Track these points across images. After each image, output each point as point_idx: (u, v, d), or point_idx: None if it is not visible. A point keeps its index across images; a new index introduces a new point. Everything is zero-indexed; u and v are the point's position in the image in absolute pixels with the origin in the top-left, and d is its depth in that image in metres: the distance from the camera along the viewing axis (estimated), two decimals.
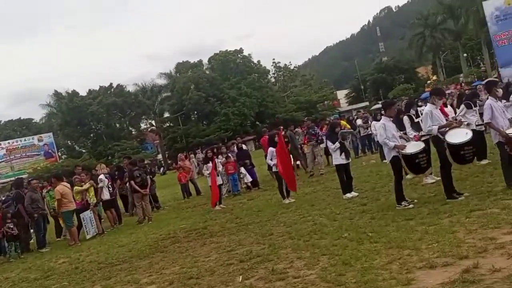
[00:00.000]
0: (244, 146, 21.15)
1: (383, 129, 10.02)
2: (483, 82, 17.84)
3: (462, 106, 13.25)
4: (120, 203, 18.84)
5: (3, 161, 67.84)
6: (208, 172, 16.22)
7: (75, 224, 15.34)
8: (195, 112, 79.93)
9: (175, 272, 8.54)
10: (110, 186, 16.82)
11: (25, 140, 72.88)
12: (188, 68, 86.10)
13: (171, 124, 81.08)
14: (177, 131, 76.44)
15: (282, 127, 17.89)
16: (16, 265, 13.24)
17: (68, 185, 15.36)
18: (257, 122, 77.72)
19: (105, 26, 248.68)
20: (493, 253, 5.87)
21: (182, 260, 9.40)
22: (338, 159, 12.62)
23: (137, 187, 16.45)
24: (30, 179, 16.50)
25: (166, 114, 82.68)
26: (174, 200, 21.64)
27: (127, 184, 17.95)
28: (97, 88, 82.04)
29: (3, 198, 16.47)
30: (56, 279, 10.27)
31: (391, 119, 10.34)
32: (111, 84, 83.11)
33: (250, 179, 18.85)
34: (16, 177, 26.24)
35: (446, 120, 10.33)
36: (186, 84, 77.48)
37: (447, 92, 29.81)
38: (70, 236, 14.95)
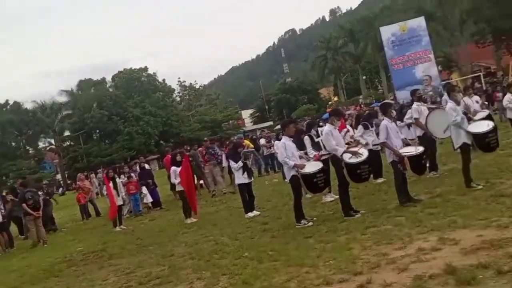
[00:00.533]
0: (147, 166, 20.84)
1: (283, 148, 10.17)
2: (379, 104, 18.56)
3: (360, 126, 13.73)
4: (13, 226, 17.88)
5: None
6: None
7: None
8: (98, 131, 77.87)
9: None
10: (2, 207, 15.91)
11: None
12: (91, 85, 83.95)
13: (72, 143, 78.44)
14: (78, 150, 74.04)
15: (187, 146, 17.72)
16: None
17: None
18: (161, 141, 76.85)
19: (0, 41, 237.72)
20: (385, 268, 6.05)
21: (78, 285, 9.05)
22: (240, 178, 12.66)
23: (28, 210, 15.62)
24: None
25: (67, 133, 79.93)
26: (72, 222, 20.85)
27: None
28: None
29: None
30: None
31: (291, 138, 10.54)
32: (7, 101, 79.51)
33: (151, 200, 18.51)
34: None
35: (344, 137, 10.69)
36: (88, 102, 75.45)
37: (347, 112, 30.85)
38: None
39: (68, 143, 79.58)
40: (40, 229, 15.78)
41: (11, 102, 79.24)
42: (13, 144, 78.34)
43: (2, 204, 16.11)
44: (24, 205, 15.70)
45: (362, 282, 5.68)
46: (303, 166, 10.00)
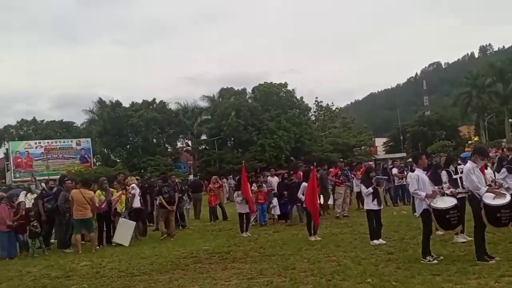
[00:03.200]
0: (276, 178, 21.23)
1: (416, 180, 9.96)
2: None
3: (503, 169, 13.02)
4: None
5: (39, 159, 69.24)
6: (239, 198, 16.25)
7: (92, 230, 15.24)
8: (232, 139, 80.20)
9: None
10: (140, 196, 17.00)
11: (63, 142, 74.45)
12: (231, 94, 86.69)
13: (207, 147, 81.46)
14: (212, 154, 76.71)
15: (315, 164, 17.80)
16: (39, 261, 13.42)
17: (87, 192, 14.95)
18: (292, 158, 77.58)
19: (155, 44, 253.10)
20: None
21: (202, 281, 9.43)
22: (370, 204, 12.53)
23: (164, 203, 16.62)
24: (65, 179, 16.73)
25: (203, 137, 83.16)
26: (200, 222, 21.69)
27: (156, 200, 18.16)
28: (140, 101, 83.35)
29: (44, 192, 16.68)
30: (76, 280, 10.40)
31: (425, 171, 10.29)
32: (154, 99, 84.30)
33: (279, 212, 18.82)
34: (61, 174, 26.69)
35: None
36: (227, 110, 77.97)
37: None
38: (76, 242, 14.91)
39: (203, 147, 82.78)
40: (171, 223, 16.68)
41: (157, 101, 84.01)
42: (155, 140, 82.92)
43: (140, 193, 17.13)
44: (160, 197, 16.68)
45: None
46: (434, 196, 9.70)
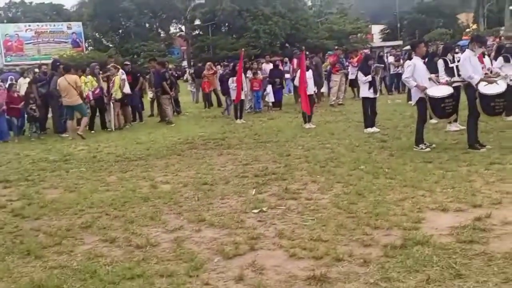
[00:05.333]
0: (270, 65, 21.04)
1: (411, 68, 9.87)
2: None
3: (500, 58, 12.91)
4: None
5: (30, 42, 67.90)
6: (234, 85, 16.16)
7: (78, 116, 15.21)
8: (226, 24, 78.65)
9: (190, 176, 8.73)
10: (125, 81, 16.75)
11: (54, 25, 72.64)
12: None
13: (201, 33, 79.97)
14: (206, 40, 75.47)
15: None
16: (36, 145, 13.57)
17: (70, 76, 14.64)
18: (286, 44, 76.51)
19: None
20: (507, 206, 5.90)
21: (198, 166, 9.58)
22: (366, 92, 12.48)
23: (167, 88, 16.60)
24: (58, 64, 16.50)
25: (197, 22, 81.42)
26: (195, 108, 21.76)
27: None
28: None
29: (37, 77, 16.56)
30: (74, 163, 10.55)
31: (423, 60, 10.18)
32: None
33: (273, 99, 18.84)
34: (53, 58, 26.33)
35: (482, 68, 10.14)
36: None
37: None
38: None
39: (197, 32, 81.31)
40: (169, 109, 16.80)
41: None
42: (147, 25, 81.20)
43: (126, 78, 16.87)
44: (164, 83, 16.59)
45: (480, 215, 5.59)
46: (424, 88, 9.65)
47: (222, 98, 19.58)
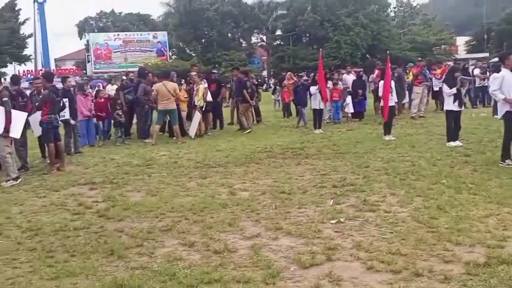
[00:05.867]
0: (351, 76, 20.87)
1: (499, 80, 9.51)
2: None
3: None
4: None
5: (118, 51, 70.65)
6: (317, 92, 16.16)
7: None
8: (307, 35, 78.71)
9: (268, 184, 8.79)
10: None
11: (141, 35, 75.30)
12: None
13: (281, 43, 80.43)
14: (286, 50, 75.81)
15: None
16: (121, 149, 14.06)
17: (170, 83, 15.35)
18: (367, 55, 75.70)
19: None
20: None
21: (276, 175, 9.63)
22: (450, 105, 12.11)
23: (248, 97, 16.84)
24: (145, 72, 17.12)
25: (278, 32, 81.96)
26: (274, 117, 21.89)
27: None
28: None
29: (124, 84, 17.25)
30: (156, 168, 10.87)
31: None
32: None
33: (352, 110, 18.67)
34: (140, 67, 27.30)
35: None
36: (303, 5, 76.03)
37: None
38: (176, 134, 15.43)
39: (278, 42, 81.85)
40: (250, 117, 17.05)
41: None
42: (229, 35, 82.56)
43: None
44: (244, 92, 16.87)
45: None
46: None
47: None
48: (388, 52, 15.93)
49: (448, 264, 4.85)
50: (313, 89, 16.36)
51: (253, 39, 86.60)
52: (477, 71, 22.89)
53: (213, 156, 12.14)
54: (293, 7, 77.02)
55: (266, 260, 5.21)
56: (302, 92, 18.39)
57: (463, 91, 12.89)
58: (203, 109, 16.04)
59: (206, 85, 16.77)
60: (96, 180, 9.75)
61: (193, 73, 17.12)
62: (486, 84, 20.50)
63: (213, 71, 21.15)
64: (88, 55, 72.98)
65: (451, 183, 8.09)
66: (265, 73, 78.82)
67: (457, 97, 11.98)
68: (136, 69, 23.25)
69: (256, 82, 22.21)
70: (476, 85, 22.15)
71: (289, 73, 22.75)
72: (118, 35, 73.63)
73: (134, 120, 16.92)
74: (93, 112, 15.02)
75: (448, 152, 11.08)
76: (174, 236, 6.15)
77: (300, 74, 24.62)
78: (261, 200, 7.71)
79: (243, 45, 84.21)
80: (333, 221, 6.42)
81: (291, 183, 8.75)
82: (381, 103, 14.52)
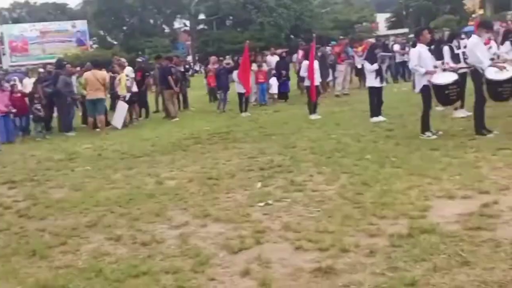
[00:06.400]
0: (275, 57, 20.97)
1: (416, 56, 9.77)
2: None
3: (507, 43, 12.77)
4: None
5: (35, 42, 68.07)
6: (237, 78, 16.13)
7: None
8: (231, 18, 78.56)
9: (196, 171, 8.70)
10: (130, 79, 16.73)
11: (59, 24, 72.82)
12: None
13: (205, 27, 79.94)
14: (210, 34, 75.44)
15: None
16: (42, 145, 13.57)
17: (99, 73, 15.09)
18: (291, 36, 76.30)
19: None
20: None
21: (203, 161, 9.55)
22: (372, 81, 12.37)
23: (172, 84, 16.59)
24: (65, 63, 16.57)
25: (201, 16, 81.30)
26: (200, 103, 21.72)
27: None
28: None
29: (42, 76, 16.61)
30: (80, 162, 10.53)
31: (427, 47, 10.10)
32: None
33: (276, 91, 18.77)
34: (57, 58, 26.42)
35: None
36: None
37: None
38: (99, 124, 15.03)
39: (201, 27, 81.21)
40: (175, 104, 16.83)
41: None
42: (151, 21, 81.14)
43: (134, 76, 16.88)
44: (169, 78, 16.59)
45: (488, 201, 5.54)
46: (433, 73, 9.57)
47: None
48: (314, 33, 16.09)
49: (373, 238, 4.94)
50: (234, 74, 16.35)
51: (176, 25, 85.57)
52: (396, 47, 23.49)
53: (138, 146, 11.91)
54: None
55: (195, 248, 5.14)
56: (224, 76, 18.24)
57: (384, 67, 13.15)
58: (126, 98, 15.67)
59: (132, 74, 16.42)
60: (16, 178, 9.32)
61: (115, 63, 16.75)
62: (406, 59, 21.03)
63: (138, 59, 20.68)
64: (2, 48, 69.91)
65: (375, 158, 8.26)
66: (190, 58, 78.01)
67: (378, 73, 12.25)
68: (55, 60, 22.46)
69: (183, 69, 21.87)
70: (397, 61, 22.71)
71: (213, 57, 22.62)
72: (34, 25, 70.88)
73: (55, 114, 16.35)
74: (11, 107, 14.41)
75: (372, 127, 11.32)
76: (99, 231, 5.97)
77: (221, 58, 24.39)
78: (188, 187, 7.61)
79: (166, 31, 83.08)
80: (261, 204, 6.42)
81: (218, 169, 8.69)
82: (305, 83, 14.62)
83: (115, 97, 15.79)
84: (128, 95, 15.68)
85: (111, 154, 11.17)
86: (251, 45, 18.69)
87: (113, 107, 16.74)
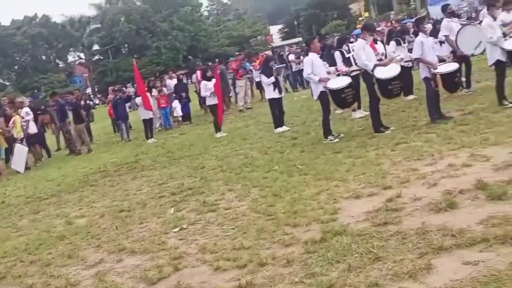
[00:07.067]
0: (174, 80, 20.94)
1: (309, 64, 10.08)
2: (413, 20, 18.03)
3: (392, 42, 13.46)
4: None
5: None
6: (140, 101, 15.96)
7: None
8: (126, 45, 77.74)
9: (106, 206, 8.50)
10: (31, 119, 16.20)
11: None
12: None
13: (101, 57, 78.58)
14: (107, 64, 74.27)
15: (217, 61, 17.59)
16: None
17: None
18: (189, 57, 76.52)
19: None
20: (415, 183, 6.13)
21: (112, 194, 9.36)
22: (271, 93, 12.62)
23: (84, 116, 16.36)
24: None
25: (96, 47, 79.82)
26: (104, 134, 21.27)
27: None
28: (21, 18, 77.90)
29: None
30: None
31: (319, 54, 10.46)
32: (35, 14, 79.07)
33: (181, 113, 18.73)
34: None
35: (376, 55, 10.52)
36: (116, 16, 74.88)
37: (378, 29, 30.03)
38: None
39: (97, 57, 79.72)
40: (86, 139, 16.51)
41: (39, 16, 78.88)
42: (44, 57, 78.76)
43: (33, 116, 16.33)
44: (81, 111, 16.32)
45: (392, 196, 5.78)
46: (327, 80, 9.92)
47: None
48: (205, 55, 16.31)
49: (289, 247, 5.02)
50: (138, 99, 16.16)
51: (70, 58, 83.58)
52: (291, 57, 24.09)
53: (44, 187, 11.49)
54: (106, 19, 75.52)
55: (112, 286, 5.02)
56: (121, 106, 17.98)
57: (281, 78, 13.45)
58: (24, 141, 15.07)
59: (30, 116, 15.79)
60: None
61: (5, 105, 16.12)
62: (302, 68, 21.60)
63: (21, 99, 19.93)
64: None
65: (283, 168, 8.41)
66: (89, 90, 76.31)
67: (275, 85, 12.52)
68: None
69: (84, 103, 21.37)
70: (294, 70, 23.29)
71: (110, 87, 22.26)
72: None
73: None
74: None
75: (277, 138, 11.51)
76: (9, 283, 5.70)
77: (116, 88, 23.92)
78: (100, 223, 7.42)
79: (61, 65, 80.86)
80: (176, 229, 6.36)
81: (129, 200, 8.54)
82: (207, 102, 14.68)
83: (11, 141, 15.07)
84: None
85: (15, 199, 10.70)
86: (150, 71, 18.64)
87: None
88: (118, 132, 20.45)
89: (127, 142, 16.97)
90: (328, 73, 10.25)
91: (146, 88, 16.09)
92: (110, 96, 21.63)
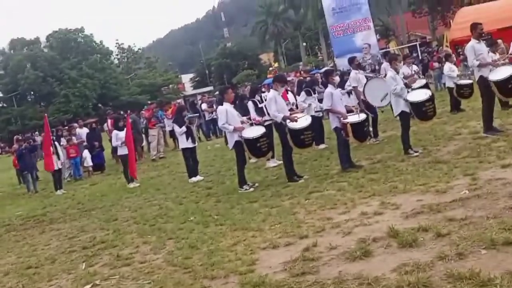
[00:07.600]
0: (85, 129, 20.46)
1: (223, 114, 10.19)
2: (321, 71, 18.75)
3: (303, 93, 13.88)
4: None
5: None
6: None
7: None
8: (32, 93, 75.46)
9: (11, 262, 8.04)
10: None
11: None
12: (24, 45, 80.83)
13: (5, 105, 75.71)
14: (12, 112, 71.58)
15: (129, 111, 17.43)
16: None
17: None
18: (99, 105, 75.22)
19: None
20: (330, 232, 6.25)
21: (18, 249, 8.87)
22: (184, 143, 12.61)
23: None
24: None
25: None
26: (8, 186, 20.29)
27: None
28: None
29: None
30: None
31: (233, 104, 10.63)
32: None
33: (91, 163, 18.25)
34: None
35: (287, 104, 10.82)
36: (21, 63, 72.75)
37: (288, 79, 30.88)
38: None
39: (0, 105, 76.72)
40: None
41: None
42: None
43: None
44: None
45: (308, 245, 5.84)
46: (242, 129, 10.06)
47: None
48: (116, 103, 16.08)
49: None
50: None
51: None
52: (204, 106, 24.25)
53: None
54: (11, 65, 73.15)
55: None
56: (27, 156, 17.26)
57: (194, 127, 13.49)
58: None
59: None
60: None
61: None
62: (215, 116, 21.78)
63: None
64: None
65: (198, 218, 8.33)
66: None
67: (188, 134, 12.53)
68: None
69: None
70: (207, 119, 23.41)
71: (16, 136, 21.43)
72: None
73: None
74: None
75: (192, 188, 11.45)
76: None
77: (22, 137, 23.07)
78: (5, 282, 6.98)
79: None
80: (88, 286, 6.10)
81: (37, 255, 8.12)
82: (118, 152, 14.41)
83: None
84: None
85: None
86: (58, 119, 18.12)
87: None
88: (24, 184, 19.63)
89: (33, 194, 16.25)
90: (242, 122, 10.39)
91: (51, 148, 15.14)
92: (15, 146, 20.82)
